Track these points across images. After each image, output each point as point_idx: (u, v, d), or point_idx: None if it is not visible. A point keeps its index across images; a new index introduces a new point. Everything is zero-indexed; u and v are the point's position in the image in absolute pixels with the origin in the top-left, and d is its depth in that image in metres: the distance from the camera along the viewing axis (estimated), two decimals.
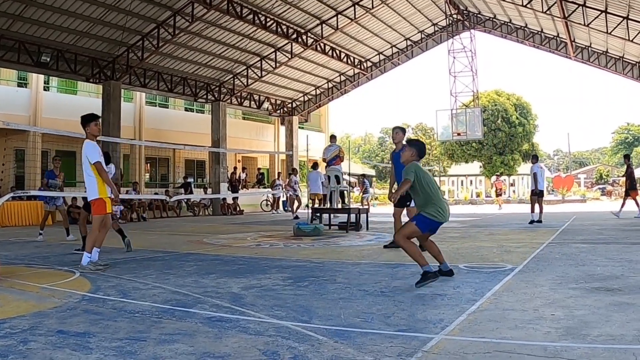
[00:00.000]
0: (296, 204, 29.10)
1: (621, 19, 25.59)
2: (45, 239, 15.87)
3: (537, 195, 20.49)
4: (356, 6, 32.42)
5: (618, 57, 33.76)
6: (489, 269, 8.30)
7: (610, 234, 14.56)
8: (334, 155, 18.01)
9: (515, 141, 58.46)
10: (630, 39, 26.27)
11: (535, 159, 22.10)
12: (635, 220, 20.04)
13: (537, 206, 20.05)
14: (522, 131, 58.39)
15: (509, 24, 37.55)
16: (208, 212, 34.14)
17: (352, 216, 17.49)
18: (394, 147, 11.90)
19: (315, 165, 24.86)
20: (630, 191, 22.32)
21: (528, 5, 29.01)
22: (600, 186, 72.37)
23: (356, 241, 13.78)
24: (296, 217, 26.20)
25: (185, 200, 32.88)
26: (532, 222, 19.29)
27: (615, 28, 26.25)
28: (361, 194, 36.71)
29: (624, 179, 24.43)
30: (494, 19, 38.19)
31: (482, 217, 25.26)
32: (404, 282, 7.40)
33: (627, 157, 24.05)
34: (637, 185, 22.94)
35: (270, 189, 32.80)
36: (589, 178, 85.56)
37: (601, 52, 34.14)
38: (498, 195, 40.68)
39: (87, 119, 9.77)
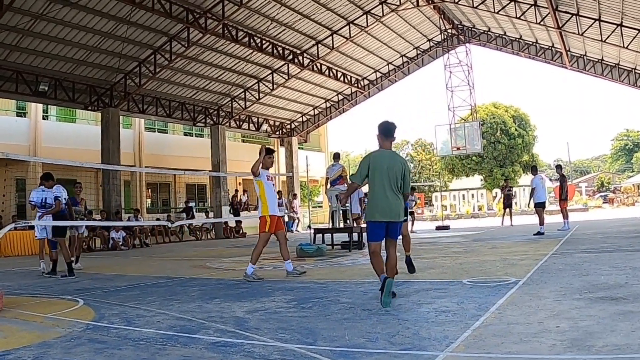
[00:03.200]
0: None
1: (615, 26, 25.73)
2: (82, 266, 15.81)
3: (540, 207, 20.56)
4: (351, 25, 32.58)
5: (614, 65, 33.93)
6: (493, 283, 8.26)
7: (614, 242, 14.52)
8: (337, 175, 17.97)
9: (515, 153, 58.61)
10: (625, 45, 26.37)
11: (534, 170, 22.08)
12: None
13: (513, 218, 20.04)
14: (521, 142, 58.54)
15: (503, 36, 37.70)
16: (210, 236, 34.12)
17: (355, 235, 17.45)
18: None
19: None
20: (561, 202, 22.33)
21: (522, 17, 29.13)
22: (602, 194, 72.32)
23: (359, 260, 13.75)
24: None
25: (188, 224, 32.86)
26: (537, 233, 19.20)
27: (609, 35, 26.35)
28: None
29: (557, 187, 24.35)
30: (489, 32, 38.37)
31: (485, 231, 25.21)
32: (407, 300, 7.38)
33: (559, 167, 23.92)
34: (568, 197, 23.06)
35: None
36: (590, 186, 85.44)
37: (597, 60, 34.31)
38: (507, 206, 31.43)
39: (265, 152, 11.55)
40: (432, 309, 6.56)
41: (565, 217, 21.82)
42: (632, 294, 6.65)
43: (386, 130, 7.90)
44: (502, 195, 30.30)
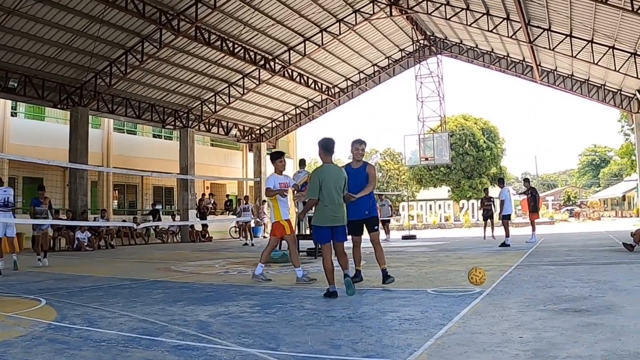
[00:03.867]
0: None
1: (586, 42, 26.03)
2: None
3: (507, 219, 20.80)
4: (323, 32, 32.59)
5: (583, 80, 34.31)
6: (458, 293, 8.30)
7: (579, 255, 14.68)
8: (303, 182, 17.94)
9: (483, 165, 59.02)
10: (595, 62, 26.68)
11: (501, 182, 22.23)
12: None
13: (495, 229, 20.13)
14: (489, 155, 58.97)
15: (475, 49, 37.93)
16: (176, 239, 33.93)
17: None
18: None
19: None
20: (531, 214, 22.47)
21: (494, 31, 29.37)
22: (568, 208, 73.08)
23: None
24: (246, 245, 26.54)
25: (154, 227, 32.67)
26: (503, 244, 19.38)
27: (580, 51, 26.68)
28: None
29: (525, 200, 24.58)
30: (461, 44, 38.57)
31: (451, 241, 25.32)
32: (371, 307, 7.38)
33: (527, 180, 24.13)
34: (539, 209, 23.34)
35: (235, 216, 32.73)
36: (557, 200, 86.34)
37: (567, 75, 34.67)
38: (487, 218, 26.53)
39: (273, 157, 11.85)
40: (396, 317, 6.57)
41: (534, 229, 21.94)
42: (596, 307, 6.71)
43: (327, 147, 9.10)
44: (482, 206, 27.86)
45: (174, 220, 35.49)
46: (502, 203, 21.22)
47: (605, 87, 34.09)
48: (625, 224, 39.66)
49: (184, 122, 35.50)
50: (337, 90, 42.02)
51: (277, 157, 11.62)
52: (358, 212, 9.76)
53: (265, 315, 7.05)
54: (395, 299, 7.95)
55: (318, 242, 9.16)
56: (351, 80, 41.68)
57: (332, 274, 8.66)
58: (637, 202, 49.52)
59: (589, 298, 7.37)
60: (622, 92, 33.85)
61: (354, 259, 10.12)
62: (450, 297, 7.91)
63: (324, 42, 33.18)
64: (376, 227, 10.10)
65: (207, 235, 35.11)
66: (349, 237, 9.59)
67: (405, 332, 5.71)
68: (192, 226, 34.24)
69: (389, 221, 31.10)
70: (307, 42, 33.14)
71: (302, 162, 19.33)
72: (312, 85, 38.76)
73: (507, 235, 20.19)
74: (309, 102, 42.39)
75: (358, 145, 10.02)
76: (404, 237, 30.33)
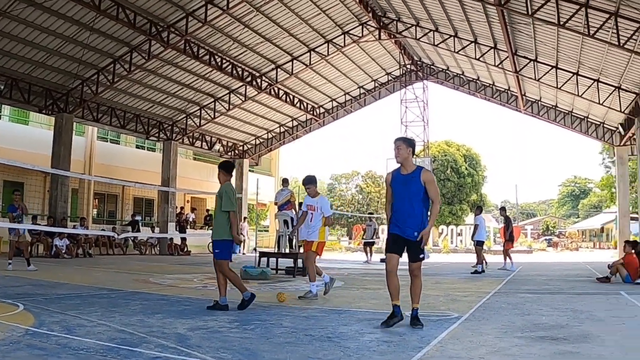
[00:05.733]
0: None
1: (571, 74, 26.27)
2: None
3: (480, 246, 20.83)
4: (312, 52, 32.71)
5: (567, 112, 34.62)
6: (435, 317, 8.34)
7: (556, 285, 14.76)
8: (285, 200, 18.03)
9: (464, 191, 59.18)
10: (580, 94, 26.96)
11: (479, 210, 22.31)
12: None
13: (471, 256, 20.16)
14: (470, 182, 59.16)
15: (461, 76, 38.14)
16: (155, 252, 33.73)
17: (300, 261, 17.47)
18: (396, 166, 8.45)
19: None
20: (507, 242, 22.41)
21: (481, 59, 29.56)
22: (547, 237, 73.36)
23: (303, 286, 13.73)
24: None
25: (132, 238, 32.51)
26: (475, 272, 19.38)
27: (565, 83, 26.92)
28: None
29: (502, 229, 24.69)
30: (447, 71, 38.81)
31: (429, 266, 25.32)
32: (350, 328, 7.40)
33: (503, 209, 24.29)
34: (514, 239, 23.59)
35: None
36: (536, 229, 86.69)
37: (550, 106, 34.96)
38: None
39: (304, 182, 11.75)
40: (374, 339, 6.59)
41: (509, 258, 21.88)
42: (572, 335, 6.77)
43: (229, 168, 9.82)
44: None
45: (153, 232, 35.33)
46: (475, 228, 21.29)
47: (589, 119, 34.40)
48: (602, 255, 39.89)
49: (168, 135, 35.46)
50: (322, 110, 42.07)
51: (304, 182, 11.69)
52: (405, 229, 7.66)
53: (243, 331, 7.06)
54: (374, 321, 7.96)
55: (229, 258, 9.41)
56: (336, 102, 41.76)
57: (225, 287, 9.23)
58: (615, 234, 49.72)
59: (566, 327, 7.43)
60: (605, 125, 34.16)
61: (389, 290, 8.04)
62: (428, 321, 7.91)
63: (311, 62, 33.31)
64: (422, 256, 7.97)
65: (185, 249, 34.96)
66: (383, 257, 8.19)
67: (384, 354, 5.74)
68: (171, 239, 34.08)
69: (373, 243, 31.24)
70: (294, 61, 33.26)
71: (285, 181, 19.46)
72: (298, 105, 38.82)
73: (480, 261, 20.19)
74: (294, 121, 42.46)
75: (395, 143, 8.06)
76: (382, 260, 30.25)
